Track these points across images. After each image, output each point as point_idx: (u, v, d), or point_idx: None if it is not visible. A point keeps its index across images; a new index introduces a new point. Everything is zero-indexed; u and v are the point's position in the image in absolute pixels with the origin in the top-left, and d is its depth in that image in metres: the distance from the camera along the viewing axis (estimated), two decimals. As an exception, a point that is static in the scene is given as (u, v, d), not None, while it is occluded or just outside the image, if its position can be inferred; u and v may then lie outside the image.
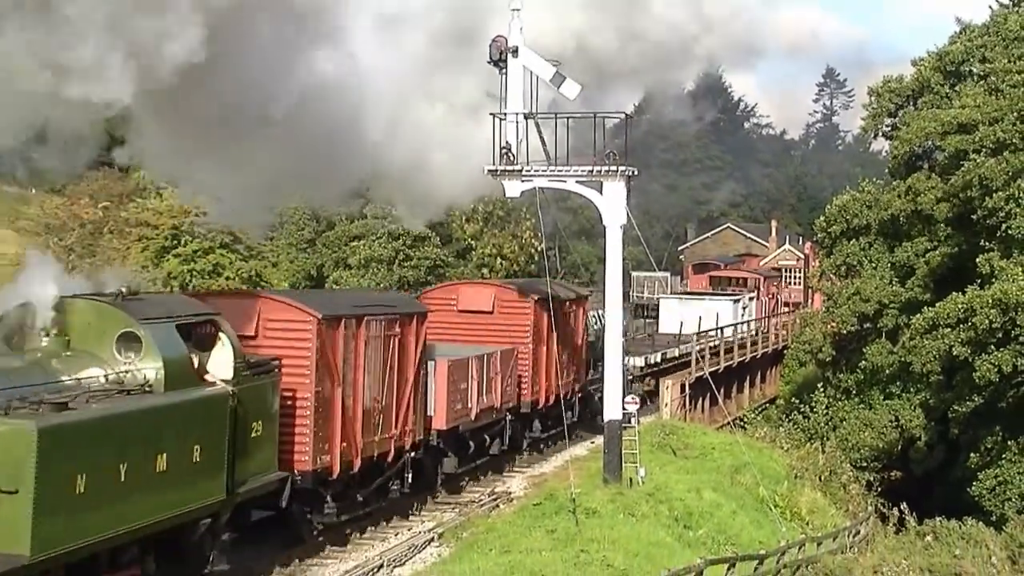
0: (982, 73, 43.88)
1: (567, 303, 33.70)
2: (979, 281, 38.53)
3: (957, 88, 45.26)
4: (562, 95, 27.86)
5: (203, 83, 19.85)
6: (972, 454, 40.17)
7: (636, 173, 27.43)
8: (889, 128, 49.01)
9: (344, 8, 27.28)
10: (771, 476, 32.42)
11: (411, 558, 22.36)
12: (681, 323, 51.20)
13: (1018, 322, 35.50)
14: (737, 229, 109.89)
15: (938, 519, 33.68)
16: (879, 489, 40.44)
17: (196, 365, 17.40)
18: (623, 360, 29.56)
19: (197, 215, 45.96)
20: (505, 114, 27.17)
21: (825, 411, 45.34)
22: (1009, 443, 38.84)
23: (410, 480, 24.93)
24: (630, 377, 36.72)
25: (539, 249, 56.17)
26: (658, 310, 60.04)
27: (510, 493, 28.30)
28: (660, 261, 79.90)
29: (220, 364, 17.90)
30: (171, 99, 19.91)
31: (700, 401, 43.82)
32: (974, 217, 39.63)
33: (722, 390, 44.42)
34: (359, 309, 22.86)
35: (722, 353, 47.68)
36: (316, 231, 59.07)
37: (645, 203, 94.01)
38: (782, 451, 37.58)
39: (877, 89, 48.37)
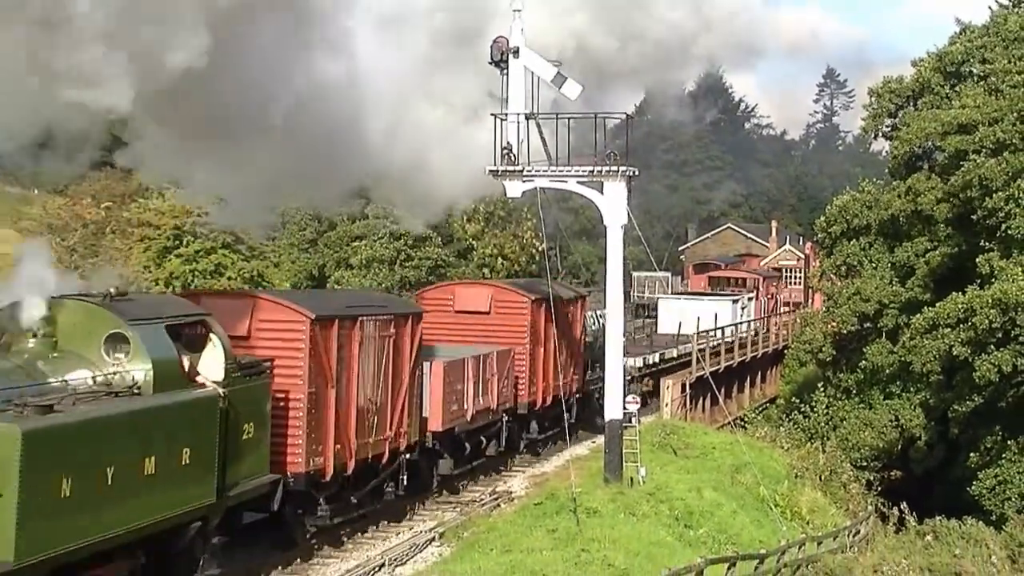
0: (982, 74, 43.92)
1: (565, 303, 33.57)
2: (979, 281, 38.60)
3: (957, 88, 45.27)
4: (563, 95, 27.92)
5: (203, 85, 19.81)
6: (972, 454, 40.23)
7: (637, 173, 27.47)
8: (889, 128, 49.03)
9: (345, 10, 27.37)
10: (771, 475, 32.45)
11: (412, 557, 22.37)
12: (680, 323, 51.13)
13: (1018, 322, 35.56)
14: (738, 229, 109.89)
15: (938, 518, 33.71)
16: (879, 488, 40.49)
17: (187, 366, 17.17)
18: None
19: (199, 215, 46.02)
20: (506, 114, 27.20)
21: (825, 411, 45.37)
22: (1009, 443, 38.91)
23: (405, 482, 24.72)
24: (628, 378, 36.74)
25: (540, 249, 56.24)
26: (657, 310, 60.00)
27: (511, 492, 28.35)
28: (661, 261, 79.94)
29: (211, 365, 17.64)
30: (171, 100, 19.91)
31: (701, 401, 43.84)
32: (974, 217, 39.69)
33: (722, 390, 44.44)
34: (353, 309, 22.66)
35: (723, 353, 47.71)
36: (318, 231, 59.09)
37: (646, 203, 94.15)
38: (782, 451, 37.62)
39: (877, 89, 48.40)
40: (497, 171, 27.31)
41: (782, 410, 50.65)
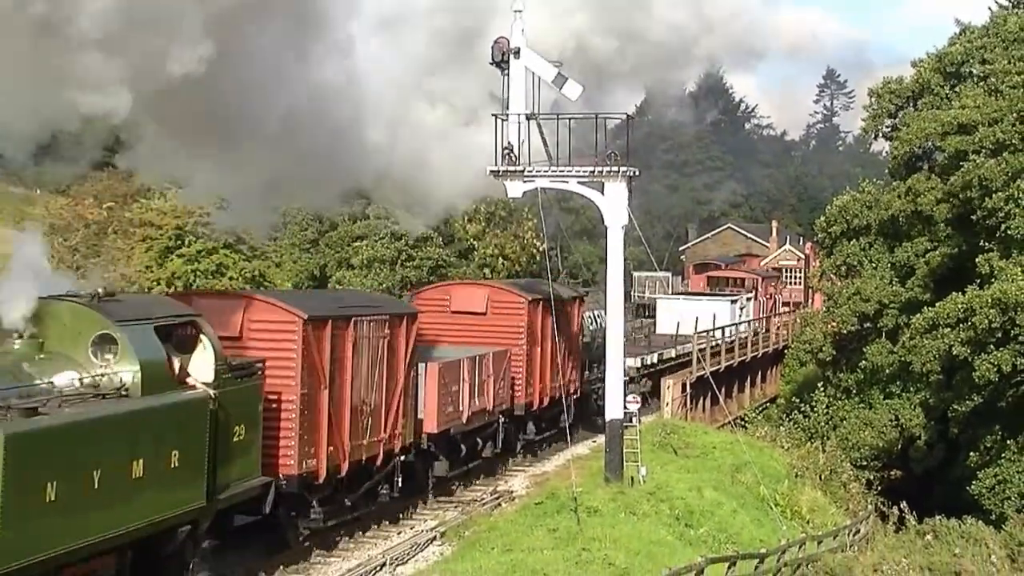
0: (982, 74, 43.96)
1: (562, 303, 33.13)
2: (979, 281, 38.67)
3: (957, 89, 45.32)
4: (564, 96, 28.00)
5: (203, 87, 19.79)
6: (972, 453, 40.31)
7: (637, 174, 27.52)
8: (889, 129, 49.08)
9: (345, 11, 27.41)
10: (772, 475, 32.49)
11: (413, 556, 22.40)
12: (678, 323, 51.13)
13: (1017, 322, 35.62)
14: (738, 229, 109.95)
15: (938, 518, 33.75)
16: (879, 488, 40.55)
17: (177, 368, 16.95)
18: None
19: (201, 215, 46.08)
20: (507, 115, 27.24)
21: (825, 410, 45.43)
22: (1008, 442, 38.97)
23: (400, 484, 24.52)
24: (627, 378, 36.76)
25: (541, 249, 56.28)
26: (655, 310, 59.99)
27: (512, 492, 28.41)
28: (661, 261, 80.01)
29: (201, 367, 17.42)
30: (171, 101, 19.92)
31: (701, 400, 43.90)
32: (974, 217, 39.75)
33: (723, 389, 44.49)
34: (346, 310, 22.47)
35: (723, 352, 47.79)
36: (319, 231, 59.14)
37: (646, 203, 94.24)
38: (783, 450, 37.66)
39: (877, 90, 48.45)
40: (498, 171, 27.34)
41: (782, 410, 50.72)
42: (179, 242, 47.87)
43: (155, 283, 45.67)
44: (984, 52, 45.02)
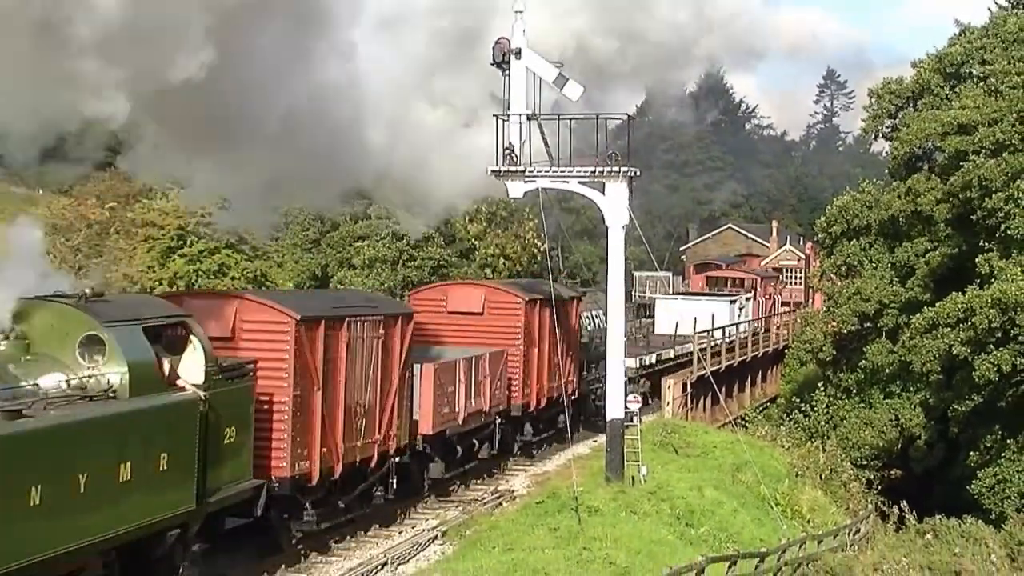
0: (982, 75, 44.02)
1: (559, 303, 32.65)
2: (978, 281, 38.74)
3: (957, 89, 45.38)
4: (565, 96, 28.07)
5: (204, 89, 19.79)
6: (972, 453, 40.36)
7: (638, 174, 27.59)
8: (889, 129, 49.14)
9: (346, 12, 27.46)
10: (772, 474, 32.55)
11: (415, 555, 22.48)
12: (676, 324, 51.13)
13: (1017, 322, 35.68)
14: (738, 229, 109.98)
15: (938, 517, 33.84)
16: (879, 487, 40.63)
17: (167, 369, 16.72)
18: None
19: (203, 215, 46.19)
20: (508, 115, 27.33)
21: (826, 410, 45.50)
22: (1008, 442, 39.03)
23: (394, 486, 24.32)
24: (625, 379, 36.67)
25: (542, 249, 56.33)
26: (653, 310, 59.94)
27: (513, 491, 28.49)
28: (662, 261, 79.99)
29: (191, 368, 17.20)
30: (171, 103, 19.95)
31: (702, 400, 43.98)
32: (973, 218, 39.80)
33: (723, 389, 44.58)
34: (340, 310, 22.22)
35: (724, 352, 47.86)
36: (321, 231, 59.23)
37: (647, 203, 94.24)
38: (783, 449, 37.73)
39: (877, 91, 48.52)
40: (499, 171, 27.42)
41: (783, 409, 50.79)
42: (181, 242, 47.97)
43: (157, 283, 45.76)
44: (984, 53, 45.09)
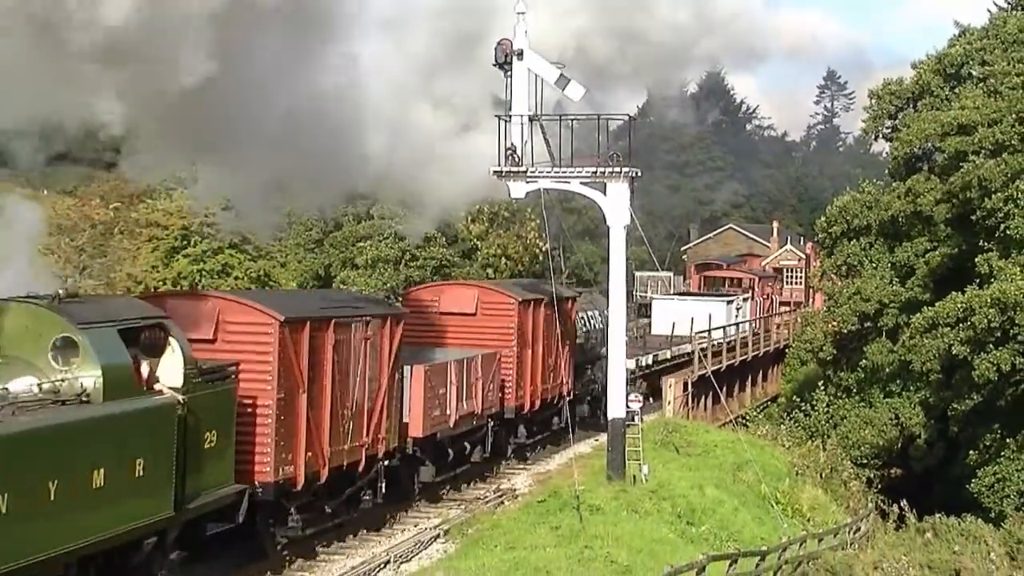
0: (981, 75, 44.11)
1: (554, 304, 32.45)
2: (978, 281, 38.85)
3: (956, 90, 45.47)
4: (567, 97, 28.20)
5: (204, 92, 19.78)
6: (971, 451, 40.49)
7: (639, 174, 27.69)
8: (889, 130, 49.25)
9: (347, 15, 27.56)
10: (773, 473, 32.62)
11: (417, 554, 22.57)
12: (673, 324, 51.04)
13: (1016, 321, 35.77)
14: (739, 229, 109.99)
15: (938, 516, 33.86)
16: (879, 486, 40.75)
17: (147, 372, 16.30)
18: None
19: (206, 215, 46.31)
20: (510, 116, 27.44)
21: (826, 409, 45.62)
22: (1008, 441, 39.14)
23: (383, 490, 23.90)
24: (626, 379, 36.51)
25: (543, 249, 56.41)
26: (650, 310, 59.83)
27: (515, 490, 28.60)
28: (663, 261, 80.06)
29: (169, 371, 16.75)
30: (171, 106, 20.01)
31: (702, 399, 44.07)
32: (973, 218, 39.90)
33: (724, 388, 44.66)
34: (326, 311, 21.78)
35: (724, 352, 47.97)
36: (324, 231, 59.33)
37: (648, 204, 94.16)
38: (784, 448, 37.78)
39: (877, 91, 48.63)
40: (501, 172, 27.52)
41: (783, 408, 50.88)
42: (185, 242, 48.07)
43: (161, 283, 45.86)
44: (984, 54, 45.19)
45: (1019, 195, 37.89)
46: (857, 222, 47.06)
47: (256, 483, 19.54)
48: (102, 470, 14.69)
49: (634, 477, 27.16)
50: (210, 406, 17.60)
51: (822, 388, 46.65)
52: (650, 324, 56.63)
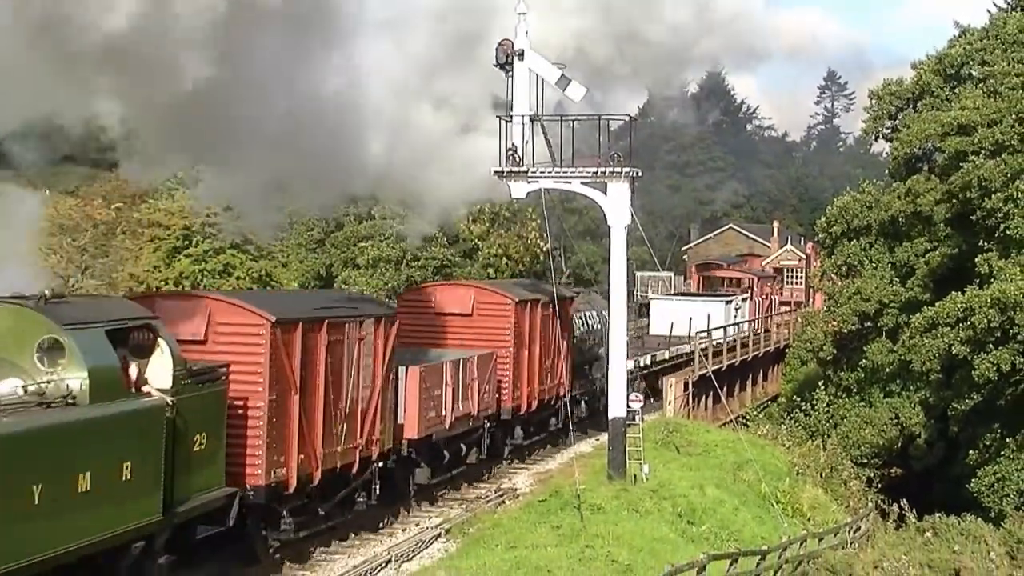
0: (981, 76, 44.13)
1: (551, 304, 32.12)
2: (978, 281, 38.86)
3: (956, 91, 45.47)
4: (568, 97, 28.27)
5: (203, 94, 19.84)
6: (971, 451, 40.51)
7: (640, 174, 27.78)
8: (889, 130, 49.26)
9: (347, 16, 27.63)
10: (773, 473, 32.68)
11: (418, 553, 22.67)
12: (672, 324, 51.01)
13: (1016, 321, 35.78)
14: (739, 229, 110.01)
15: (938, 515, 33.83)
16: (879, 485, 40.76)
17: (135, 374, 16.14)
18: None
19: (208, 215, 46.40)
20: (511, 116, 27.53)
21: (826, 409, 45.64)
22: (1007, 440, 39.14)
23: (377, 492, 23.73)
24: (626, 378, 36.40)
25: (544, 249, 56.49)
26: (649, 310, 59.84)
27: (516, 489, 28.68)
28: (664, 261, 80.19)
29: (158, 372, 16.56)
30: (170, 107, 20.06)
31: (703, 399, 44.14)
32: (973, 218, 39.91)
33: (724, 388, 44.71)
34: (318, 312, 21.61)
35: (725, 352, 48.02)
36: (325, 231, 59.41)
37: (649, 204, 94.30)
38: (784, 448, 37.82)
39: (877, 92, 48.64)
40: (502, 172, 27.61)
41: (783, 408, 50.90)
42: (187, 242, 48.17)
43: (163, 283, 46.01)
44: (984, 54, 45.19)
45: (1019, 195, 37.92)
46: (857, 222, 47.10)
47: (247, 486, 19.36)
48: (88, 474, 14.49)
49: (635, 476, 27.24)
50: (200, 408, 17.42)
51: (822, 388, 46.67)
52: (648, 324, 56.55)
